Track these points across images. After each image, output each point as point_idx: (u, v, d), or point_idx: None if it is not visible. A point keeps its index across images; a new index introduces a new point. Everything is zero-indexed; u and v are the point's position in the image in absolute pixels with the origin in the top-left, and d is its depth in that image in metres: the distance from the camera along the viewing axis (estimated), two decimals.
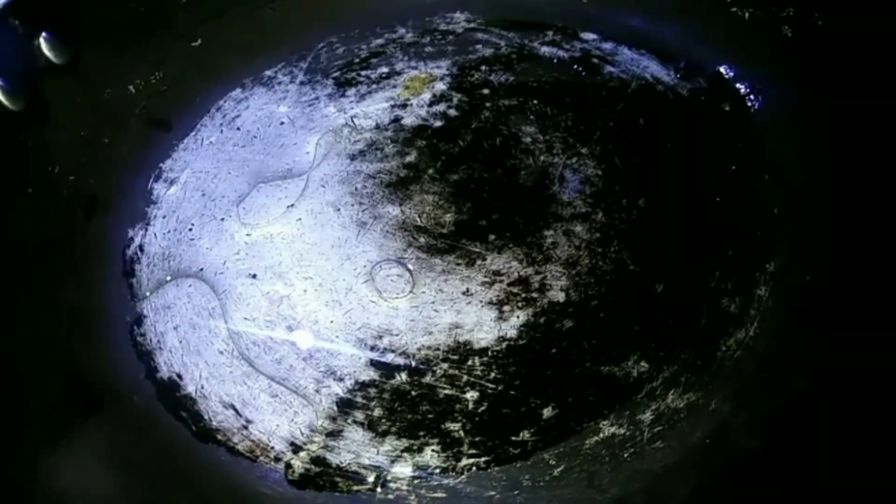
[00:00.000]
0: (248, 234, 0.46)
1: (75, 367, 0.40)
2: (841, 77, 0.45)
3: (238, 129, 0.52)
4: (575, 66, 0.54)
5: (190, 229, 0.47)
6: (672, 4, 0.54)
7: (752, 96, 0.49)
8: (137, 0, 0.51)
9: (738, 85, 0.50)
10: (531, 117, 0.51)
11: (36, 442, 0.37)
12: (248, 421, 0.39)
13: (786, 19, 0.48)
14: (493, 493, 0.35)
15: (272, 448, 0.38)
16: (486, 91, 0.53)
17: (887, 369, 0.34)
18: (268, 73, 0.55)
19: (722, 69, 0.51)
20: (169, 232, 0.47)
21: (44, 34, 0.47)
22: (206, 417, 0.39)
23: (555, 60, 0.54)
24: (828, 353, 0.37)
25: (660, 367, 0.38)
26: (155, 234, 0.47)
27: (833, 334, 0.38)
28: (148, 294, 0.44)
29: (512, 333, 0.41)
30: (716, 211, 0.45)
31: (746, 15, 0.50)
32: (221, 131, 0.52)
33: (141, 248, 0.47)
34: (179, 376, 0.41)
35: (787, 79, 0.48)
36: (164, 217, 0.48)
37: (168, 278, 0.45)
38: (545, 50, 0.55)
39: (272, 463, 0.37)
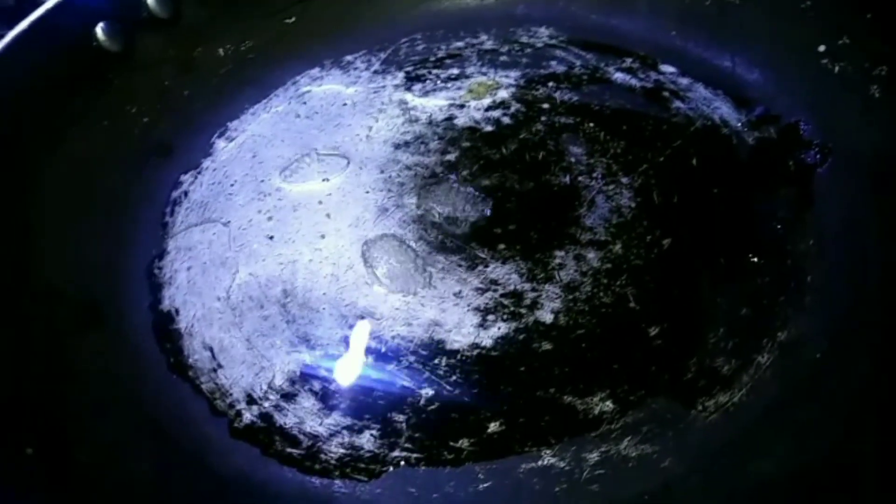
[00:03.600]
0: (279, 199, 0.49)
1: (93, 279, 0.44)
2: None
3: (304, 103, 0.55)
4: (643, 97, 0.51)
5: (232, 185, 0.50)
6: (764, 49, 0.50)
7: (820, 156, 0.45)
8: None
9: (809, 140, 0.46)
10: (581, 139, 0.49)
11: (40, 344, 0.41)
12: (219, 365, 0.41)
13: (877, 78, 0.43)
14: (412, 489, 0.35)
15: (230, 395, 0.39)
16: (545, 105, 0.52)
17: (866, 469, 0.30)
18: (348, 57, 0.58)
19: (798, 122, 0.47)
20: (214, 184, 0.51)
21: None
22: (185, 353, 0.41)
23: (625, 87, 0.52)
24: (808, 439, 0.33)
25: (625, 410, 0.36)
26: (201, 183, 0.51)
27: (821, 420, 0.33)
28: (177, 233, 0.48)
29: (487, 342, 0.40)
30: (744, 268, 0.41)
31: (836, 68, 0.46)
32: (289, 102, 0.55)
33: (186, 193, 0.50)
34: (177, 311, 0.43)
35: (863, 144, 0.43)
36: (215, 170, 0.51)
37: (198, 223, 0.48)
38: (618, 76, 0.53)
39: (226, 408, 0.39)
